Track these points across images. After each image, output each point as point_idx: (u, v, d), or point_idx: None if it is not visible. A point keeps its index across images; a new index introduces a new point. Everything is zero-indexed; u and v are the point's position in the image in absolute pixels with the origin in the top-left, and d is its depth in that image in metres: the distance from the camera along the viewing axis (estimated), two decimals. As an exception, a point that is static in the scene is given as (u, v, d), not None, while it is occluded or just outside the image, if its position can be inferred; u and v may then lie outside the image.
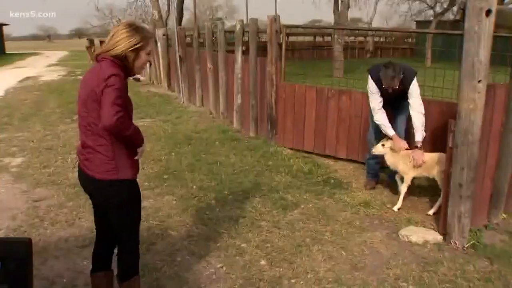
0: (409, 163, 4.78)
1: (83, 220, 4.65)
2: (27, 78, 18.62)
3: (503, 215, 4.57)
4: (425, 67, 11.97)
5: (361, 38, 28.55)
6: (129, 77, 2.75)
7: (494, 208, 4.48)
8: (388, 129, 5.00)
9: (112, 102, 2.50)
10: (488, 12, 3.47)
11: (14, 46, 56.71)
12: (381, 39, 29.82)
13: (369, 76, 5.08)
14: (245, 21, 8.09)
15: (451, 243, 4.03)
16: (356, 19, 50.44)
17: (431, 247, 4.02)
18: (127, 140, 2.68)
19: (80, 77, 14.11)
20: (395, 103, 5.16)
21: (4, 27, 45.33)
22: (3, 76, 19.41)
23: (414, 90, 4.88)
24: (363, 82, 7.61)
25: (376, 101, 5.07)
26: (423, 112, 4.88)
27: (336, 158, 6.45)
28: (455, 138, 3.84)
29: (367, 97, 5.96)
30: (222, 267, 3.75)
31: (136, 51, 2.68)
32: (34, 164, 6.44)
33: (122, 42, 2.65)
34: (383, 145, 4.96)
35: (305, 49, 24.69)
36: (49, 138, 8.00)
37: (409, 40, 30.69)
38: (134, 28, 2.69)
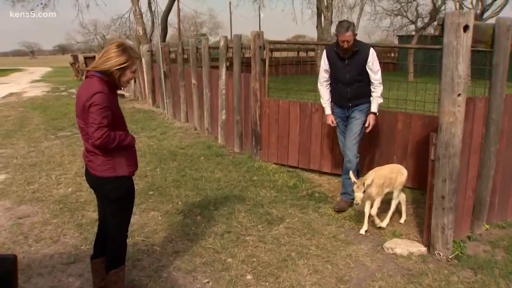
0: (381, 184, 4.63)
1: (67, 237, 4.62)
2: (10, 94, 18.49)
3: (486, 226, 4.63)
4: (407, 81, 12.15)
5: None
6: (118, 90, 3.21)
7: (476, 219, 4.54)
8: (326, 106, 5.34)
9: (97, 124, 2.91)
10: (466, 28, 3.56)
11: (-4, 62, 56.26)
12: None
13: (323, 52, 5.32)
14: (229, 37, 8.14)
15: (435, 254, 4.07)
16: (339, 34, 50.85)
17: (416, 259, 4.06)
18: (116, 149, 3.07)
19: (64, 93, 14.23)
20: (353, 88, 5.11)
21: (-14, 43, 44.98)
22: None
23: (375, 63, 5.03)
24: None
25: (323, 77, 5.29)
26: (382, 88, 5.09)
27: (321, 173, 6.49)
28: (437, 150, 3.90)
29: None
30: (208, 282, 3.74)
31: (122, 69, 3.05)
32: (18, 181, 6.39)
33: (110, 60, 3.01)
34: (363, 191, 4.45)
35: (289, 64, 24.87)
36: (33, 154, 7.95)
37: (392, 54, 31.03)
38: (123, 49, 3.04)
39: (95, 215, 4.99)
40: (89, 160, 3.16)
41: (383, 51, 30.07)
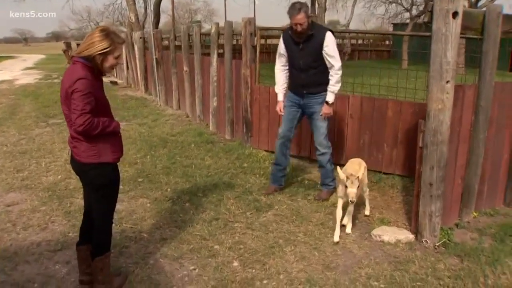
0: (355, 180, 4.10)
1: (56, 224, 4.59)
2: (2, 81, 18.34)
3: (474, 213, 4.64)
4: (400, 68, 12.12)
5: (339, 41, 28.72)
6: (102, 75, 3.15)
7: (465, 207, 4.55)
8: (278, 92, 5.18)
9: (80, 111, 2.89)
10: (455, 14, 3.52)
11: (-11, 49, 55.81)
12: (359, 42, 30.08)
13: (281, 36, 5.10)
14: (222, 24, 8.07)
15: (422, 242, 4.07)
16: (334, 21, 50.79)
17: (403, 246, 4.06)
18: (99, 135, 3.04)
19: (56, 80, 14.12)
20: (308, 75, 4.88)
21: (-21, 30, 44.62)
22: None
23: (332, 48, 4.75)
24: (343, 84, 7.69)
25: (279, 62, 5.11)
26: (340, 74, 4.86)
27: (311, 160, 6.47)
28: (425, 138, 3.88)
29: (341, 98, 6.05)
30: (194, 269, 3.73)
31: (104, 55, 3.01)
32: (8, 169, 6.34)
33: (92, 46, 2.97)
34: (357, 187, 4.12)
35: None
36: (24, 142, 7.89)
37: (387, 42, 31.00)
38: (105, 34, 3.00)
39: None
40: (73, 146, 3.15)
41: (378, 39, 30.07)
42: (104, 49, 2.97)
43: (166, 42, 12.44)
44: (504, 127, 4.63)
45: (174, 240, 4.21)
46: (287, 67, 5.10)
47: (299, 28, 4.68)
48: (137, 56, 13.81)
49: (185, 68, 9.63)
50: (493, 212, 4.77)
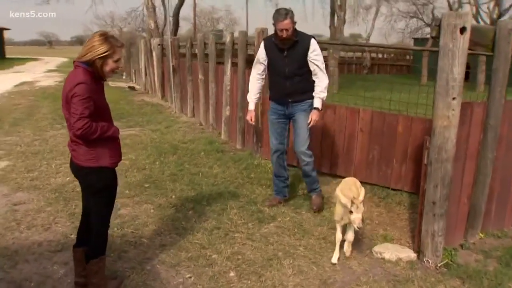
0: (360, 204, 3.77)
1: (59, 225, 4.62)
2: (23, 83, 18.65)
3: (480, 234, 4.53)
4: (419, 84, 12.02)
5: (359, 54, 28.68)
6: (103, 80, 3.18)
7: (471, 228, 4.44)
8: (250, 101, 5.13)
9: (78, 115, 2.92)
10: (463, 30, 3.47)
11: (15, 51, 56.98)
12: (379, 55, 29.98)
13: (261, 43, 5.01)
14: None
15: (424, 261, 3.98)
16: (356, 34, 50.73)
17: (404, 265, 3.97)
18: (98, 139, 3.08)
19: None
20: (293, 82, 4.79)
21: (6, 32, 45.52)
22: (1, 80, 19.42)
23: (317, 54, 4.71)
24: (356, 98, 7.65)
25: (257, 69, 5.02)
26: (327, 82, 4.82)
27: (320, 173, 6.39)
28: (429, 155, 3.81)
29: (351, 112, 6.00)
30: (190, 277, 3.71)
31: (104, 58, 3.04)
32: (19, 168, 6.42)
33: (92, 50, 3.01)
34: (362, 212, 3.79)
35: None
36: (37, 143, 7.99)
37: (407, 57, 30.80)
38: (104, 38, 3.04)
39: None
40: (72, 149, 3.19)
41: (398, 53, 29.87)
42: (104, 52, 3.01)
43: (184, 50, 12.53)
44: (514, 146, 4.53)
45: (173, 247, 4.20)
46: (263, 76, 5.03)
47: (284, 34, 4.59)
48: (155, 63, 13.92)
49: (200, 76, 9.66)
50: (501, 234, 4.65)
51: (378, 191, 5.75)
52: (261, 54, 4.90)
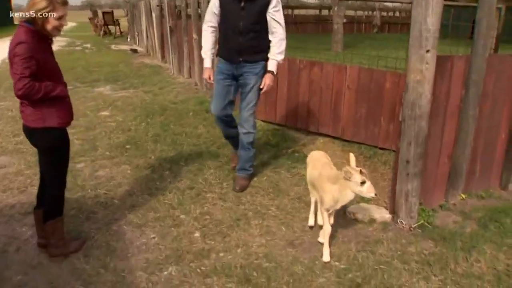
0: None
1: (35, 188, 4.48)
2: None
3: (462, 195, 4.35)
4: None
5: (369, 13, 27.99)
6: (50, 39, 3.06)
7: (452, 188, 4.27)
8: (205, 57, 4.55)
9: (19, 75, 2.83)
10: (437, -24, 3.21)
11: (25, 16, 56.61)
12: (389, 14, 29.16)
13: None
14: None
15: (398, 222, 3.84)
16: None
17: (377, 226, 3.83)
18: (42, 99, 2.98)
19: (78, 48, 14.17)
20: (247, 39, 4.24)
21: (14, -3, 45.25)
22: (3, 48, 19.30)
23: (279, 11, 4.20)
24: (360, 57, 7.39)
25: (210, 21, 4.42)
26: (285, 44, 4.33)
27: (308, 132, 6.24)
28: (403, 111, 3.62)
29: (338, 69, 5.77)
30: (154, 237, 3.64)
31: (44, 15, 2.90)
32: (5, 133, 6.37)
33: (32, 7, 2.90)
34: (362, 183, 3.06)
35: (311, 22, 24.22)
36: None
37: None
38: None
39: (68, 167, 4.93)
40: (21, 110, 3.12)
41: (409, 11, 29.02)
42: (43, 9, 2.87)
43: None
44: (501, 103, 4.30)
45: (142, 207, 4.12)
46: (216, 29, 4.45)
47: None
48: (154, 24, 13.65)
49: (194, 36, 9.41)
50: (485, 194, 4.47)
51: (365, 150, 5.59)
52: (215, 4, 4.31)
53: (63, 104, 3.15)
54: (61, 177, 3.31)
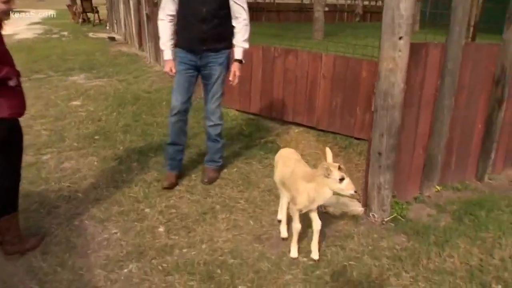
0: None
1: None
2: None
3: (437, 187, 4.26)
4: (413, 32, 11.56)
5: (350, 1, 27.95)
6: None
7: (426, 180, 4.17)
8: (165, 48, 4.13)
9: None
10: (409, -41, 3.07)
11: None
12: (371, 3, 29.09)
13: None
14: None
15: (370, 216, 3.72)
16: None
17: (348, 220, 3.71)
18: None
19: (55, 36, 13.76)
20: (210, 26, 3.95)
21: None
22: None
23: None
24: (340, 46, 7.25)
25: (168, 9, 4.02)
26: (249, 30, 4.07)
27: (283, 121, 6.09)
28: (376, 101, 3.49)
29: (314, 57, 5.63)
30: (116, 232, 3.48)
31: None
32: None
33: None
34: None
35: (293, 11, 24.06)
36: None
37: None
38: None
39: (33, 159, 4.74)
40: None
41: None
42: None
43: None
44: (478, 93, 4.20)
45: (106, 201, 3.95)
46: (175, 17, 4.07)
47: None
48: (132, 12, 13.32)
49: (170, 23, 9.19)
50: (461, 186, 4.39)
51: (341, 140, 5.48)
52: None
53: (13, 94, 2.96)
54: (14, 170, 3.12)
